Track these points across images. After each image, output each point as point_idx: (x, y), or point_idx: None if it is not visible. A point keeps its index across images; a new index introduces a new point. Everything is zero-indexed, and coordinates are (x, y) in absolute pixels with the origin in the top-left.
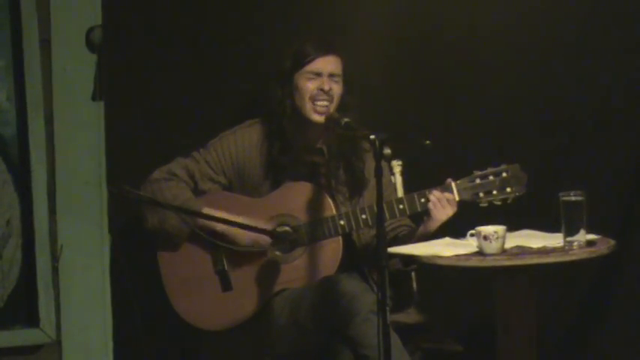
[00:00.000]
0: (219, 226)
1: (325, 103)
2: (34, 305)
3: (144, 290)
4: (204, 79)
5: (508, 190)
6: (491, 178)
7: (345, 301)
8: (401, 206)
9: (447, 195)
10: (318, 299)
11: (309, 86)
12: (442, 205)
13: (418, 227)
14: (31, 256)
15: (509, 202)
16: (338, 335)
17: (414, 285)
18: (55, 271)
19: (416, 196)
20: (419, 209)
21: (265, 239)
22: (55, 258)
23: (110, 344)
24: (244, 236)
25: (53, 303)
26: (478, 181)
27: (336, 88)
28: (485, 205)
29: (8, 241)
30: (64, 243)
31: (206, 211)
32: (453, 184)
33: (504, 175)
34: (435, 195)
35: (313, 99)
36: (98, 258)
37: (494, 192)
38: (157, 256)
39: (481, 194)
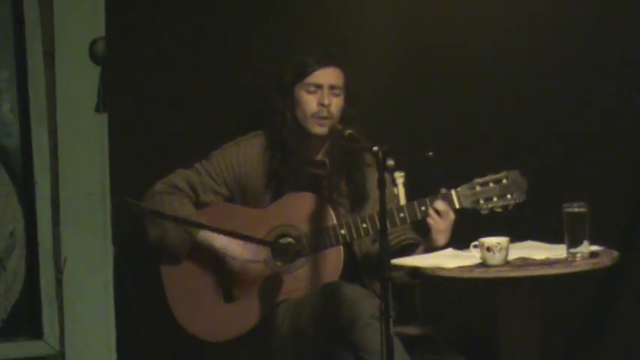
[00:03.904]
0: (221, 241)
1: (326, 119)
2: (37, 317)
3: (147, 302)
4: (208, 91)
5: (508, 196)
6: (491, 185)
7: (346, 307)
8: (402, 214)
9: (440, 205)
10: (319, 305)
11: (311, 101)
12: (442, 218)
13: (423, 241)
14: (34, 267)
15: (510, 208)
16: (340, 341)
17: (418, 299)
18: (58, 282)
19: (416, 205)
20: (419, 217)
21: (266, 253)
22: (58, 270)
23: (114, 356)
24: (246, 250)
25: (57, 315)
26: (478, 188)
27: (336, 102)
28: (486, 212)
29: (12, 252)
30: (68, 255)
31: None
32: (453, 192)
33: (504, 181)
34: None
35: (314, 115)
36: (102, 270)
37: (495, 199)
38: (160, 268)
39: (481, 201)
